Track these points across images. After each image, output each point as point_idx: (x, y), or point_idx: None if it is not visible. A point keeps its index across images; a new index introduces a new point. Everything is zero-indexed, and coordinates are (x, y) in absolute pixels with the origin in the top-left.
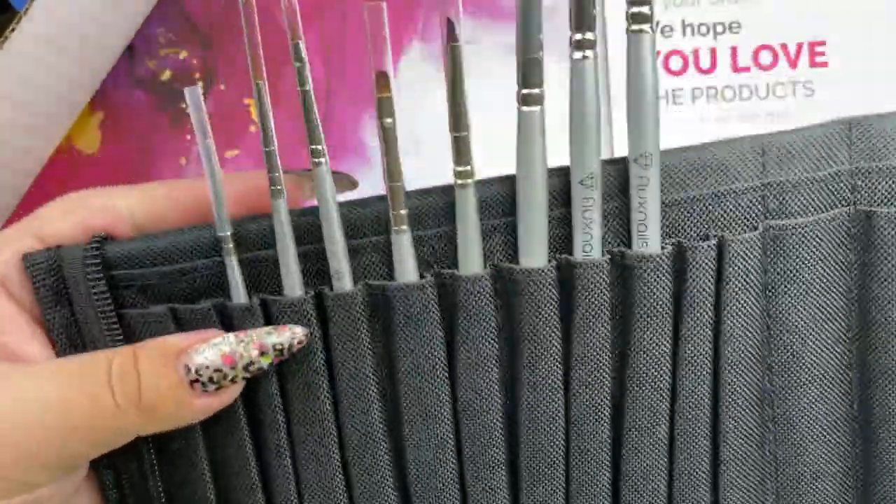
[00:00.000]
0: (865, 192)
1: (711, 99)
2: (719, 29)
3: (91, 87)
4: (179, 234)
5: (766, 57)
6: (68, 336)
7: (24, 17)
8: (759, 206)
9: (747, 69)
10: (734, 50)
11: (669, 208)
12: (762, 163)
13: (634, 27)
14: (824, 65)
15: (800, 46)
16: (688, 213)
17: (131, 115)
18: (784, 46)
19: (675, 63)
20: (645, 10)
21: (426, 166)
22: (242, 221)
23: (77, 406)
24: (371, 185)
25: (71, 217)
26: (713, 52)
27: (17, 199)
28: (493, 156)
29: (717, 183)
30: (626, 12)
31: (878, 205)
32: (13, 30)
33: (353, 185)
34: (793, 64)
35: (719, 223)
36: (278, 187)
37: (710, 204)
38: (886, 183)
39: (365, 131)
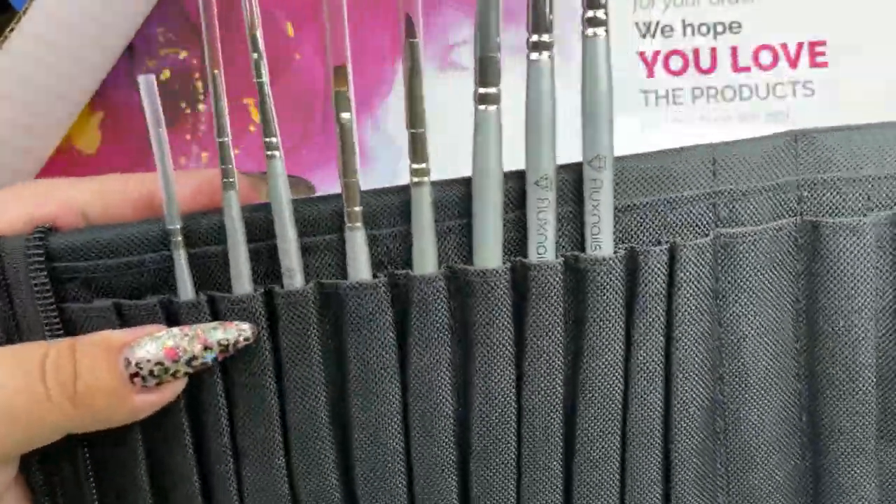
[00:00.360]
0: (811, 202)
1: (711, 99)
2: (719, 29)
3: (91, 87)
4: (127, 227)
5: (766, 57)
6: (5, 329)
7: (24, 17)
8: (711, 214)
9: (747, 69)
10: (734, 50)
11: (623, 213)
12: (713, 171)
13: (589, 31)
14: (824, 65)
15: (800, 46)
16: (641, 218)
17: (131, 115)
18: (784, 46)
19: (675, 63)
20: (600, 14)
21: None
22: (193, 215)
23: (7, 395)
24: (370, 183)
25: (18, 206)
26: (713, 51)
27: None
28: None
29: (669, 189)
30: (581, 16)
31: (824, 215)
32: (13, 30)
33: (309, 189)
34: (793, 64)
35: (671, 229)
36: (230, 179)
37: (662, 210)
38: (831, 194)
39: (365, 131)
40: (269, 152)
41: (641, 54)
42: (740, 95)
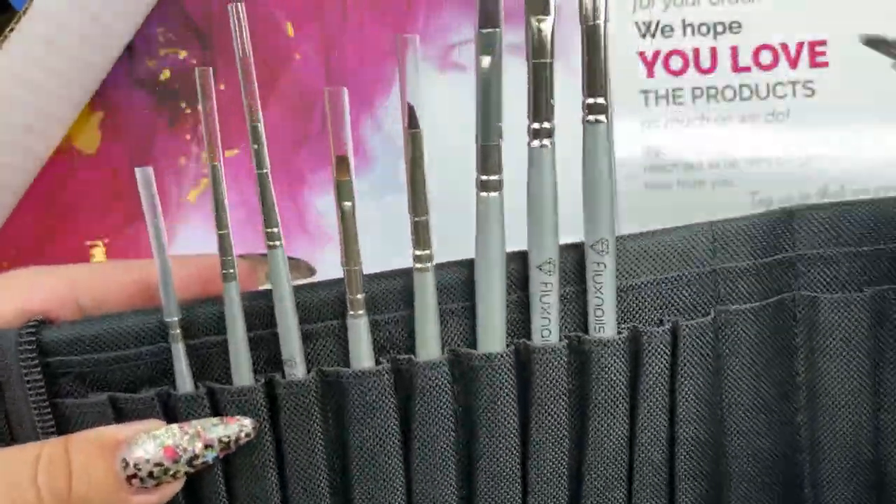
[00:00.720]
0: (809, 277)
1: (712, 99)
2: (719, 28)
3: (91, 87)
4: (122, 319)
5: (766, 57)
6: None
7: (24, 17)
8: (711, 292)
9: (748, 69)
10: (734, 50)
11: (625, 293)
12: (712, 249)
13: (590, 117)
14: (825, 65)
15: (800, 46)
16: (642, 297)
17: (131, 115)
18: (784, 46)
19: (676, 63)
20: (601, 101)
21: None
22: (191, 306)
23: None
24: (370, 184)
25: (8, 297)
26: (713, 51)
27: (17, 198)
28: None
29: (669, 269)
30: (583, 102)
31: (822, 290)
32: (13, 30)
33: (310, 271)
34: (793, 64)
35: (673, 308)
36: (230, 271)
37: (664, 289)
38: (829, 269)
39: (365, 131)
40: (269, 242)
41: (641, 54)
42: (740, 95)
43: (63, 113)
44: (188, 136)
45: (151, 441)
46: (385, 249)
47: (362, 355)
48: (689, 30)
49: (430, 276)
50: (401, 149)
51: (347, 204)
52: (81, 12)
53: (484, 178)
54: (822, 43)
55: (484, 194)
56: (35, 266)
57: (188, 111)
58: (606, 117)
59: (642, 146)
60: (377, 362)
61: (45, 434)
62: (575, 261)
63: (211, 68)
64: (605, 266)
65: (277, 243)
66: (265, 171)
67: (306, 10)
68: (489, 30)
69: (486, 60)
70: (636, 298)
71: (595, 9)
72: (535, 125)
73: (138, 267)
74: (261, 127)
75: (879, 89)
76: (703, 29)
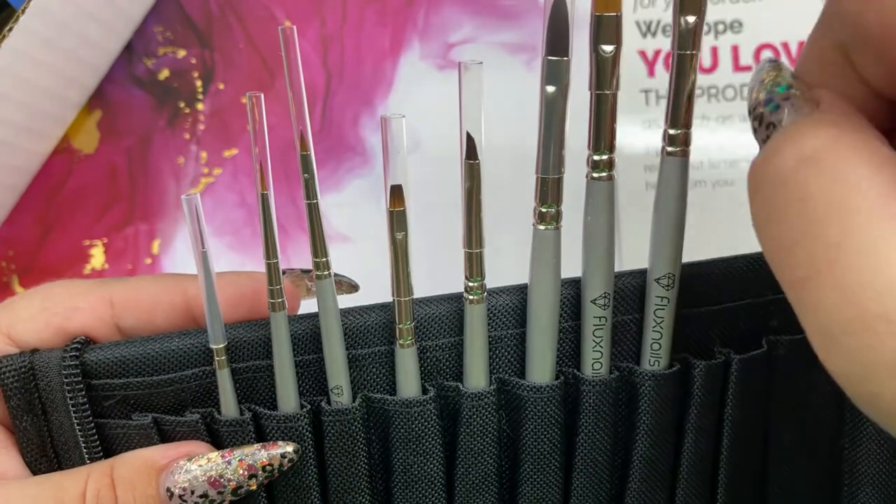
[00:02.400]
0: None
1: (713, 98)
2: (720, 28)
3: (89, 86)
4: (167, 342)
5: (767, 56)
6: (40, 446)
7: (23, 15)
8: (764, 322)
9: (749, 68)
10: (735, 49)
11: (678, 322)
12: (770, 278)
13: (670, 149)
14: None
15: (801, 46)
16: (695, 327)
17: (130, 114)
18: (786, 45)
19: None
20: (682, 133)
21: (426, 166)
22: (236, 330)
23: None
24: (370, 184)
25: (45, 316)
26: (714, 51)
27: (16, 198)
28: (489, 153)
29: (726, 298)
30: (664, 132)
31: None
32: (11, 28)
33: (353, 288)
34: (794, 63)
35: (725, 337)
36: (279, 301)
37: (718, 318)
38: None
39: (364, 130)
40: (318, 272)
41: (642, 53)
42: (741, 95)
43: (61, 112)
44: (187, 136)
45: (195, 469)
46: (385, 250)
47: (409, 384)
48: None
49: (483, 308)
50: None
51: (400, 234)
52: (80, 11)
53: (543, 210)
54: None
55: (542, 227)
56: (70, 280)
57: (187, 111)
58: (686, 151)
59: (643, 146)
60: (423, 389)
61: (92, 457)
62: (632, 290)
63: (261, 94)
64: (668, 301)
65: (326, 273)
66: (315, 201)
67: (306, 9)
68: (557, 58)
69: (551, 90)
70: (689, 327)
71: (689, 37)
72: (597, 156)
73: (180, 284)
74: (311, 157)
75: None
76: (704, 28)
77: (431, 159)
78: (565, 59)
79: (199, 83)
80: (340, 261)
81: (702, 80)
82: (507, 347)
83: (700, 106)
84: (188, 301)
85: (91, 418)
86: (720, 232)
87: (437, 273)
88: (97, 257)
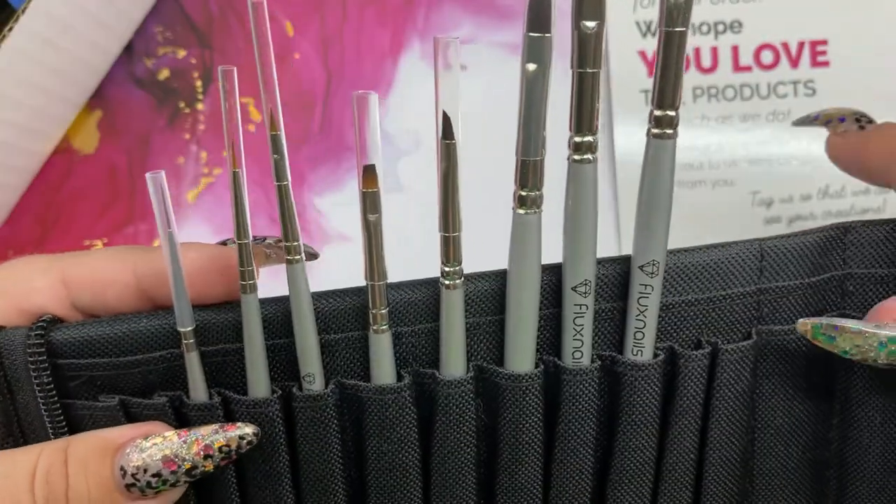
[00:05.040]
0: (856, 297)
1: (713, 98)
2: (720, 28)
3: (89, 86)
4: (134, 322)
5: (767, 56)
6: (6, 425)
7: (23, 15)
8: (754, 311)
9: (748, 69)
10: (735, 49)
11: (664, 310)
12: (759, 268)
13: (656, 131)
14: (826, 64)
15: (801, 46)
16: (682, 316)
17: (129, 114)
18: (786, 45)
19: None
20: (671, 113)
21: (426, 165)
22: (205, 312)
23: None
24: None
25: (4, 297)
26: (714, 51)
27: (16, 198)
28: (488, 152)
29: (713, 287)
30: (650, 113)
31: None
32: (11, 28)
33: (312, 256)
34: (794, 63)
35: (712, 328)
36: (250, 282)
37: (704, 308)
38: (876, 289)
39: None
40: (290, 256)
41: (642, 53)
42: (741, 95)
43: (61, 112)
44: (187, 136)
45: (150, 449)
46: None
47: (384, 371)
48: (689, 29)
49: (460, 293)
50: (401, 148)
51: (373, 216)
52: (80, 11)
53: (523, 193)
54: (824, 42)
55: (522, 211)
56: (31, 257)
57: (187, 111)
58: (675, 132)
59: (643, 145)
60: (398, 376)
61: (57, 435)
62: (613, 277)
63: (234, 67)
64: (652, 289)
65: (298, 257)
66: (286, 182)
67: (306, 9)
68: (538, 34)
69: (532, 67)
70: (675, 316)
71: (677, 13)
72: (578, 138)
73: (129, 261)
74: (282, 137)
75: (880, 89)
76: (704, 28)
77: (432, 159)
78: (547, 35)
79: (198, 83)
80: (340, 260)
81: (702, 80)
82: (486, 334)
83: (700, 106)
84: (139, 278)
85: (56, 398)
86: (719, 232)
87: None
88: None
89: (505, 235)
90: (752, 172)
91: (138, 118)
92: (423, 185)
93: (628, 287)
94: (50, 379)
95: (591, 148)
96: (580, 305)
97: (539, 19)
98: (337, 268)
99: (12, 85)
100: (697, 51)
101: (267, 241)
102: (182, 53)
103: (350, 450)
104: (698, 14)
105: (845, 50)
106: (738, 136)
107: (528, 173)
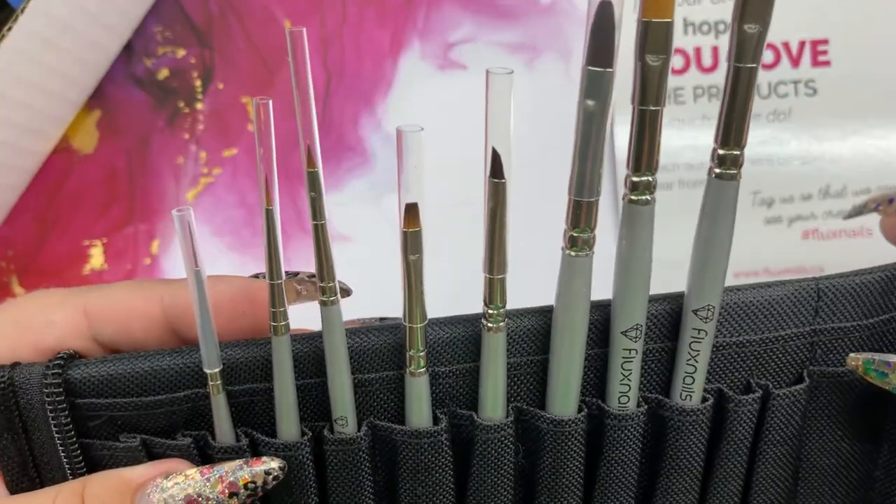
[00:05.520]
0: None
1: (713, 98)
2: (721, 28)
3: (89, 86)
4: (157, 360)
5: (767, 56)
6: (21, 465)
7: (22, 15)
8: (807, 353)
9: None
10: None
11: (713, 351)
12: (815, 308)
13: (719, 171)
14: (826, 64)
15: (802, 45)
16: (731, 357)
17: (129, 114)
18: (786, 45)
19: (677, 61)
20: (736, 152)
21: (426, 164)
22: (233, 350)
23: None
24: (369, 184)
25: (18, 331)
26: (715, 50)
27: (15, 198)
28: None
29: (766, 328)
30: (713, 151)
31: None
32: (10, 28)
33: (346, 293)
34: (795, 63)
35: (762, 369)
36: (282, 323)
37: (756, 349)
38: None
39: (364, 130)
40: (325, 297)
41: None
42: None
43: (61, 112)
44: (187, 136)
45: (173, 489)
46: (384, 250)
47: (420, 414)
48: (690, 28)
49: (502, 336)
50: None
51: (414, 256)
52: (79, 11)
53: (574, 234)
54: (825, 42)
55: (572, 253)
56: (43, 291)
57: (186, 110)
58: (739, 172)
59: None
60: (434, 417)
61: (76, 476)
62: (663, 317)
63: (270, 100)
64: (706, 333)
65: (334, 299)
66: (323, 221)
67: (306, 9)
68: (599, 69)
69: (591, 104)
70: (724, 357)
71: (750, 49)
72: (636, 177)
73: (156, 292)
74: (320, 175)
75: (881, 88)
76: (705, 28)
77: (431, 158)
78: (609, 70)
79: (198, 83)
80: (340, 260)
81: (702, 79)
82: (526, 375)
83: (700, 106)
84: (165, 311)
85: (75, 438)
86: None
87: (435, 278)
88: (96, 257)
89: (522, 259)
90: (753, 172)
91: (138, 118)
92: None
93: (679, 328)
94: (69, 419)
95: (650, 188)
96: (629, 350)
97: (601, 53)
98: (337, 268)
99: (11, 84)
100: (698, 50)
101: (299, 275)
102: (182, 53)
103: (382, 491)
104: (699, 13)
105: (846, 50)
106: None
107: (582, 214)
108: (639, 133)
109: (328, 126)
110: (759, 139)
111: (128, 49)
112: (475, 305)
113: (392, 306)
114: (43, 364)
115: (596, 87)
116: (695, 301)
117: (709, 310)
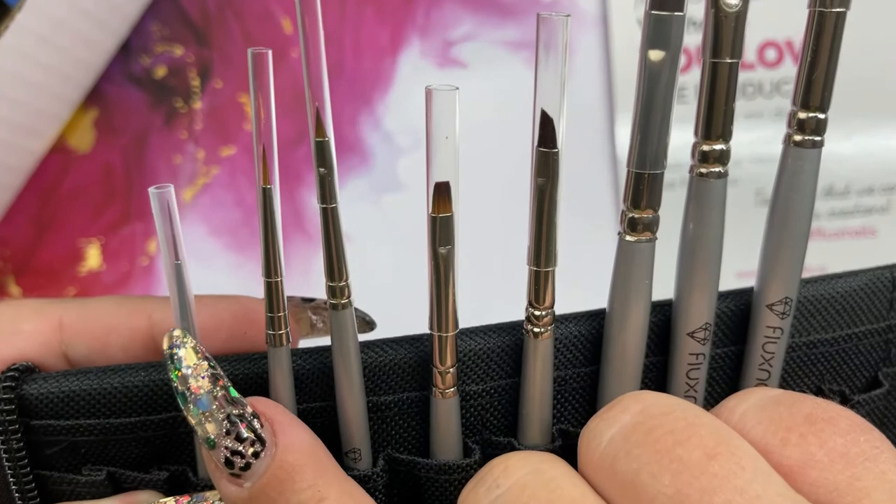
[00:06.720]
0: None
1: None
2: None
3: (85, 85)
4: (129, 375)
5: (770, 54)
6: None
7: (18, 13)
8: (881, 352)
9: (752, 66)
10: None
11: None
12: (890, 299)
13: (798, 137)
14: None
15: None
16: (802, 360)
17: (126, 113)
18: (789, 43)
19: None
20: (821, 116)
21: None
22: (222, 365)
23: None
24: (369, 183)
25: None
26: None
27: (11, 197)
28: (491, 157)
29: (839, 325)
30: (792, 114)
31: None
32: (6, 27)
33: (368, 326)
34: (798, 61)
35: (834, 372)
36: (281, 332)
37: (827, 349)
38: None
39: (364, 129)
40: (334, 301)
41: None
42: (744, 93)
43: (57, 111)
44: (184, 135)
45: None
46: (383, 250)
47: (449, 443)
48: (691, 27)
49: (550, 343)
50: (400, 147)
51: (444, 248)
52: (76, 9)
53: (635, 216)
54: None
55: (632, 239)
56: (21, 300)
57: (184, 109)
58: (822, 139)
59: None
60: (465, 447)
61: None
62: (731, 316)
63: (269, 50)
64: (782, 332)
65: (345, 301)
66: (334, 205)
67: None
68: (666, 13)
69: (655, 55)
70: (795, 360)
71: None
72: (706, 146)
73: (143, 308)
74: (331, 144)
75: (885, 87)
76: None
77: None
78: (679, 14)
79: (196, 81)
80: None
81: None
82: (574, 391)
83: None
84: (152, 327)
85: (29, 469)
86: None
87: None
88: (93, 257)
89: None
90: (756, 171)
91: (135, 117)
92: (423, 184)
93: (748, 329)
94: (21, 444)
95: (723, 159)
96: (697, 355)
97: None
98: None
99: (7, 83)
100: (700, 49)
101: (315, 302)
102: (179, 51)
103: None
104: (700, 11)
105: (847, 48)
106: (742, 134)
107: (644, 190)
108: (710, 91)
109: None
110: (763, 138)
111: (125, 47)
112: (481, 314)
113: (392, 309)
114: None
115: (662, 35)
116: (770, 294)
117: (786, 303)
